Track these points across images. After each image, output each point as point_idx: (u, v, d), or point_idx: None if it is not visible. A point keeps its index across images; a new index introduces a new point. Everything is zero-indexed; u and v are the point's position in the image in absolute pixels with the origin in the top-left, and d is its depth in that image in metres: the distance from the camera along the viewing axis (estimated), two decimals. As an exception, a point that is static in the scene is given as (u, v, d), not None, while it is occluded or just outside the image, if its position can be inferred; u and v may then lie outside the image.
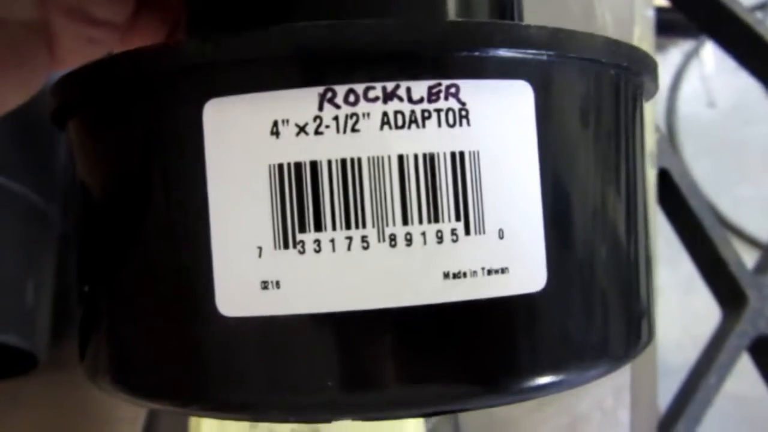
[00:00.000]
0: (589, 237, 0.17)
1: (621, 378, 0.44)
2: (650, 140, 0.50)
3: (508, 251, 0.16)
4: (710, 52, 1.57)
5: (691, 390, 0.51)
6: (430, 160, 0.16)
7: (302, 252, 0.16)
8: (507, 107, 0.16)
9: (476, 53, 0.16)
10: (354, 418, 0.17)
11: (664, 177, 0.53)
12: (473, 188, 0.16)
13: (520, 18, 0.21)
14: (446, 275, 0.16)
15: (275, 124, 0.16)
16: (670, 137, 1.53)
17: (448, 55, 0.16)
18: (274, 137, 0.16)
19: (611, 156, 0.18)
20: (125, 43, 0.27)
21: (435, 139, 0.16)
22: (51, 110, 0.19)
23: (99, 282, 0.18)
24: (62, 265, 0.41)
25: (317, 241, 0.16)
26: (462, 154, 0.16)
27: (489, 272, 0.16)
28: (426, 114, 0.16)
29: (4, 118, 0.25)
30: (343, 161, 0.16)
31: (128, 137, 0.17)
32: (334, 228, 0.16)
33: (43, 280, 0.39)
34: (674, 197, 0.54)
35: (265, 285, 0.16)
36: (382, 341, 0.16)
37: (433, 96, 0.16)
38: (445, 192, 0.16)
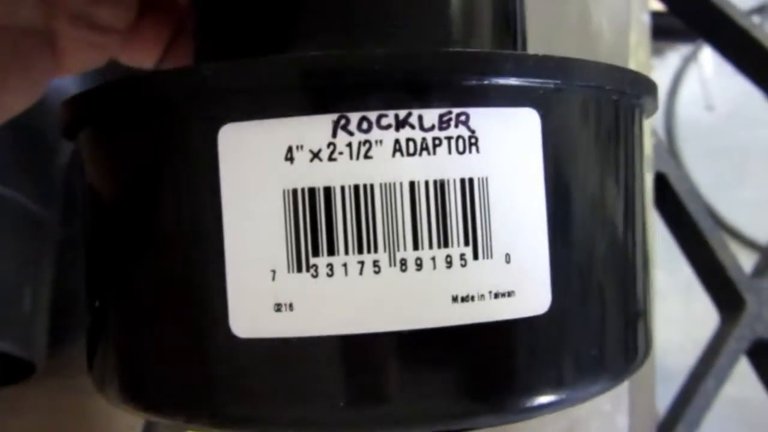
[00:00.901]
0: (592, 260, 0.18)
1: None
2: (647, 144, 0.50)
3: (515, 275, 0.17)
4: (709, 56, 1.58)
5: (689, 394, 0.51)
6: (441, 186, 0.16)
7: (315, 276, 0.16)
8: (515, 134, 0.17)
9: (486, 82, 0.17)
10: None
11: (661, 181, 0.53)
12: (482, 214, 0.17)
13: (524, 42, 0.22)
14: (455, 299, 0.16)
15: (290, 149, 0.16)
16: (668, 141, 1.54)
17: (459, 84, 0.17)
18: (288, 162, 0.16)
19: (614, 179, 0.19)
20: (127, 48, 0.28)
21: (445, 165, 0.16)
22: (63, 124, 0.20)
23: (110, 298, 0.19)
24: (60, 272, 0.41)
25: (330, 265, 0.16)
26: (471, 180, 0.17)
27: (496, 296, 0.17)
28: (437, 141, 0.16)
29: (2, 126, 0.25)
30: (356, 187, 0.16)
31: (143, 158, 0.18)
32: (346, 252, 0.16)
33: (40, 287, 0.39)
34: (671, 201, 0.54)
35: (278, 307, 0.16)
36: (390, 362, 0.17)
37: (443, 123, 0.16)
38: (454, 217, 0.16)
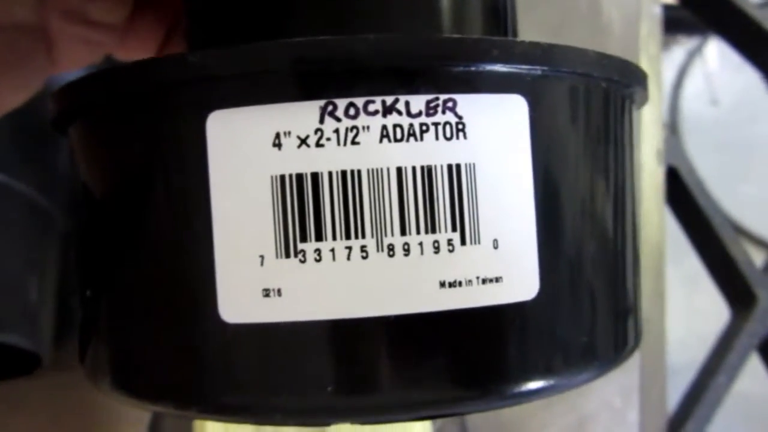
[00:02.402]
0: (581, 246, 0.19)
1: (629, 378, 0.46)
2: (658, 138, 0.51)
3: (503, 261, 0.17)
4: (714, 50, 1.59)
5: (700, 390, 0.52)
6: (428, 172, 0.17)
7: (303, 261, 0.17)
8: (502, 120, 0.17)
9: (473, 68, 0.17)
10: (352, 422, 0.18)
11: (672, 175, 0.54)
12: (469, 200, 0.17)
13: (515, 32, 0.22)
14: (442, 284, 0.17)
15: (277, 136, 0.17)
16: (673, 135, 1.54)
17: (446, 70, 0.17)
18: (276, 149, 0.17)
19: (603, 166, 0.19)
20: (122, 44, 0.28)
21: (432, 151, 0.17)
22: (52, 116, 0.20)
23: (101, 287, 0.19)
24: (66, 264, 0.41)
25: (318, 251, 0.17)
26: (459, 166, 0.17)
27: (483, 281, 0.17)
28: (424, 127, 0.17)
29: (7, 117, 0.26)
30: (344, 173, 0.17)
31: (132, 147, 0.18)
32: (334, 238, 0.17)
33: (46, 279, 0.40)
34: (682, 195, 0.55)
35: (266, 293, 0.17)
36: (379, 347, 0.17)
37: (431, 110, 0.17)
38: (442, 203, 0.17)
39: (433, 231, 0.17)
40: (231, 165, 0.17)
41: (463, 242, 0.17)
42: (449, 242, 0.17)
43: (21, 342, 0.37)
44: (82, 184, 0.20)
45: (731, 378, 0.52)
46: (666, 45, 1.56)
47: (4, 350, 0.38)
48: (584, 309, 0.19)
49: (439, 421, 0.40)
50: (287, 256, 0.17)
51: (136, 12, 0.28)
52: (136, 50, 0.29)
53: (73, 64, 0.27)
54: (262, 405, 0.18)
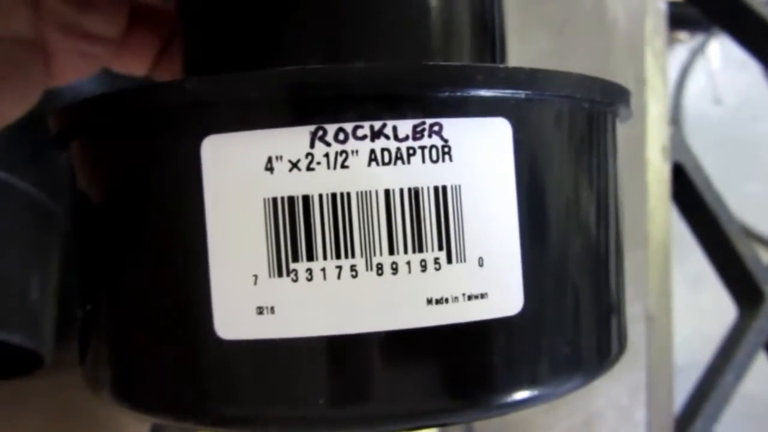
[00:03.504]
0: (564, 263, 0.20)
1: (636, 377, 0.46)
2: (663, 134, 0.51)
3: (488, 278, 0.18)
4: (716, 49, 1.59)
5: (708, 388, 0.52)
6: (415, 194, 0.18)
7: (295, 280, 0.18)
8: (487, 143, 0.18)
9: (458, 93, 0.18)
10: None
11: (677, 171, 0.54)
12: (455, 220, 0.18)
13: (503, 56, 0.23)
14: (429, 301, 0.18)
15: (269, 160, 0.18)
16: (682, 143, 1.54)
17: (431, 96, 0.18)
18: (268, 172, 0.18)
19: (586, 185, 0.20)
20: (118, 57, 0.29)
21: (419, 174, 0.18)
22: (52, 134, 0.21)
23: (100, 302, 0.20)
24: (68, 263, 0.42)
25: (309, 270, 0.18)
26: (444, 188, 0.18)
27: (469, 298, 0.18)
28: (411, 151, 0.18)
29: None
30: (334, 195, 0.18)
31: (130, 168, 0.19)
32: (325, 258, 0.18)
33: (47, 278, 0.40)
34: (688, 192, 0.55)
35: (260, 310, 0.18)
36: (369, 362, 0.18)
37: (417, 134, 0.18)
38: (428, 224, 0.18)
39: (420, 250, 0.18)
40: (225, 188, 0.18)
41: (449, 261, 0.18)
42: (436, 261, 0.18)
43: (22, 341, 0.37)
44: (80, 200, 0.21)
45: (739, 376, 0.52)
46: (669, 45, 1.56)
47: (6, 349, 0.39)
48: (567, 322, 0.20)
49: None
50: (280, 275, 0.18)
51: (132, 25, 0.29)
52: (131, 63, 0.30)
53: (70, 76, 0.28)
54: (258, 416, 0.19)
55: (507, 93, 0.19)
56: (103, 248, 0.20)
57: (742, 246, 0.54)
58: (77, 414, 0.44)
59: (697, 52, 1.60)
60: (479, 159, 0.18)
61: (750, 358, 0.53)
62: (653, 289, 0.49)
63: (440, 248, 0.18)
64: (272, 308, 0.18)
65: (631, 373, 0.47)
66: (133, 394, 0.20)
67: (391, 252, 0.18)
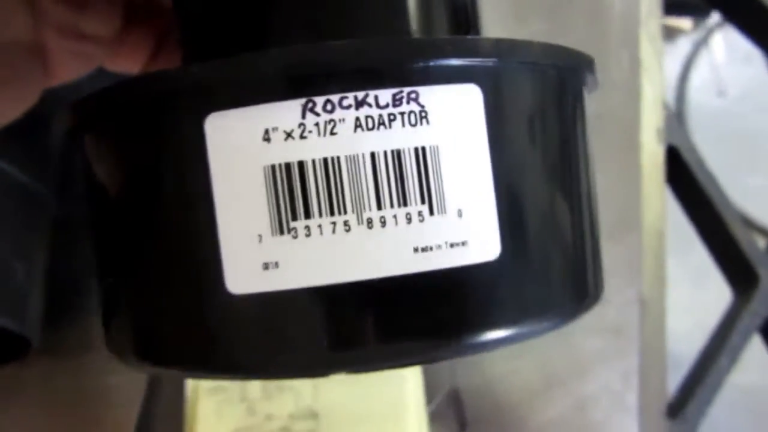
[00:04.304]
0: (537, 212, 0.22)
1: (629, 361, 0.48)
2: (658, 117, 0.53)
3: (467, 228, 0.21)
4: (720, 42, 1.60)
5: (701, 372, 0.53)
6: (397, 155, 0.20)
7: (295, 237, 0.20)
8: (460, 107, 0.21)
9: (431, 63, 0.21)
10: (345, 372, 0.22)
11: (672, 154, 0.55)
12: (434, 177, 0.21)
13: (477, 28, 0.26)
14: (416, 249, 0.20)
15: (266, 131, 0.20)
16: (679, 126, 1.55)
17: (407, 67, 0.21)
18: (266, 143, 0.20)
19: (554, 142, 0.23)
20: (114, 56, 0.31)
21: (400, 137, 0.20)
22: (68, 127, 0.24)
23: (121, 274, 0.23)
24: (57, 249, 0.43)
25: (307, 227, 0.20)
26: (423, 148, 0.21)
27: (451, 245, 0.21)
28: (392, 117, 0.20)
29: None
30: (325, 160, 0.20)
31: (143, 148, 0.22)
32: (320, 215, 0.20)
33: (33, 261, 0.41)
34: (683, 175, 0.56)
35: (266, 266, 0.20)
36: (364, 307, 0.20)
37: (396, 101, 0.20)
38: (411, 181, 0.20)
39: (405, 205, 0.20)
40: (228, 159, 0.21)
41: (431, 213, 0.20)
42: (419, 214, 0.20)
43: (6, 323, 0.38)
44: (98, 186, 0.23)
45: (732, 360, 0.53)
46: (672, 37, 1.58)
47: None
48: (542, 267, 0.22)
49: (433, 404, 0.43)
50: (281, 233, 0.20)
51: (126, 25, 0.30)
52: (126, 61, 0.31)
53: (67, 76, 0.29)
54: (267, 363, 0.21)
55: (475, 62, 0.21)
56: (120, 223, 0.23)
57: (736, 229, 0.55)
58: (67, 400, 0.45)
59: (700, 44, 1.62)
60: (454, 121, 0.21)
61: (744, 341, 0.54)
62: (647, 273, 0.50)
63: (422, 202, 0.20)
64: (276, 263, 0.20)
65: (624, 358, 0.48)
66: (155, 352, 0.23)
67: (379, 207, 0.20)
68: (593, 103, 0.25)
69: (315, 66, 0.20)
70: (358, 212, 0.20)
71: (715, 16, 1.54)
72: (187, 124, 0.21)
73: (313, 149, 0.20)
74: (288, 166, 0.20)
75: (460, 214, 0.21)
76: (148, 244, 0.22)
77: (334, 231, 0.20)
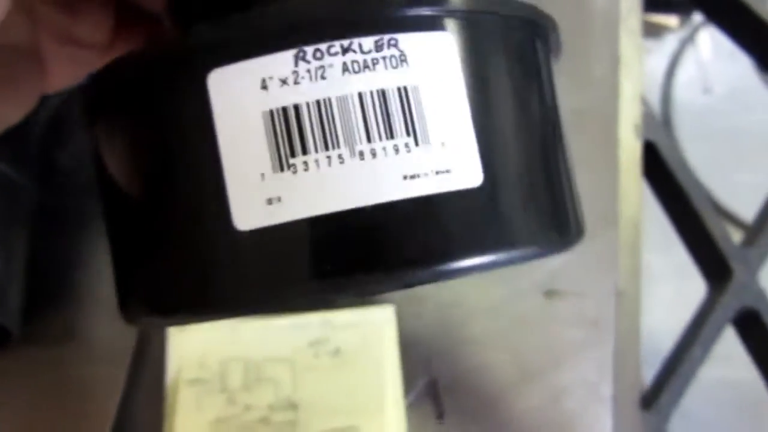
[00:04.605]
0: (513, 143, 0.24)
1: (604, 352, 0.48)
2: (636, 113, 0.54)
3: (450, 157, 0.23)
4: (706, 39, 1.62)
5: (675, 363, 0.54)
6: (382, 94, 0.23)
7: (295, 172, 0.22)
8: (435, 52, 0.23)
9: (407, 13, 0.23)
10: (354, 295, 0.23)
11: (650, 149, 0.56)
12: (417, 112, 0.23)
13: None
14: (405, 177, 0.22)
15: (263, 80, 0.23)
16: (665, 123, 1.57)
17: (385, 16, 0.23)
18: (264, 91, 0.23)
19: (521, 81, 0.25)
20: (105, 60, 0.31)
21: (384, 78, 0.23)
22: (83, 105, 0.26)
23: (132, 226, 0.25)
24: (38, 239, 0.43)
25: (305, 163, 0.22)
26: (405, 87, 0.23)
27: (437, 173, 0.23)
28: (375, 61, 0.23)
29: None
30: (318, 101, 0.22)
31: (153, 108, 0.24)
32: (316, 151, 0.22)
33: (12, 251, 0.41)
34: (660, 170, 0.57)
35: (269, 201, 0.22)
36: (361, 232, 0.22)
37: (378, 47, 0.23)
38: (396, 116, 0.23)
39: (392, 137, 0.23)
40: (230, 108, 0.23)
41: (416, 144, 0.23)
42: (406, 145, 0.23)
43: None
44: (109, 145, 0.25)
45: (706, 351, 0.54)
46: (659, 34, 1.58)
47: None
48: (523, 196, 0.24)
49: (412, 394, 0.45)
50: (282, 170, 0.22)
51: (117, 30, 0.31)
52: None
53: (62, 81, 0.30)
54: (276, 293, 0.23)
55: (447, 11, 0.24)
56: (133, 176, 0.25)
57: (711, 223, 0.56)
58: (47, 389, 0.46)
59: (687, 42, 1.63)
60: (430, 64, 0.23)
61: (717, 333, 0.55)
62: (623, 267, 0.51)
63: (408, 134, 0.23)
64: (279, 198, 0.22)
65: (599, 349, 0.48)
66: (169, 303, 0.24)
67: (369, 141, 0.22)
68: (573, 99, 0.28)
69: (306, 20, 0.23)
70: (351, 146, 0.22)
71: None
72: (191, 81, 0.23)
73: (306, 93, 0.22)
74: (285, 109, 0.22)
75: (443, 144, 0.23)
76: (158, 194, 0.24)
77: (329, 164, 0.22)
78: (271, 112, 0.22)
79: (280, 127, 0.22)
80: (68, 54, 0.30)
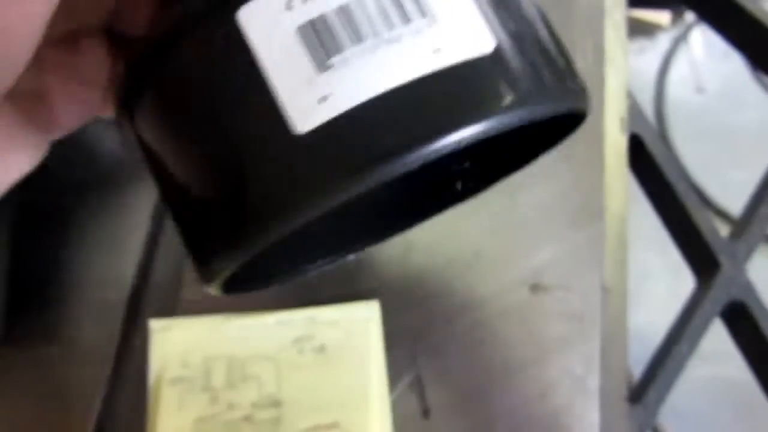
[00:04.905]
0: (516, 19, 0.28)
1: (591, 346, 0.48)
2: (621, 106, 0.54)
3: (463, 31, 0.26)
4: (699, 38, 1.64)
5: (663, 356, 0.54)
6: None
7: (336, 69, 0.25)
8: None
9: None
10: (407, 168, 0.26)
11: (636, 142, 0.57)
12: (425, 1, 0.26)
13: None
14: (432, 51, 0.26)
15: (287, 2, 0.26)
16: (658, 123, 1.57)
17: None
18: (289, 11, 0.26)
19: None
20: (106, 101, 0.32)
21: None
22: (125, 88, 0.29)
23: (203, 173, 0.27)
24: (21, 239, 0.43)
25: (344, 59, 0.25)
26: None
27: (455, 44, 0.26)
28: None
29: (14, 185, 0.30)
30: (340, 6, 0.26)
31: (196, 59, 0.27)
32: (350, 47, 0.25)
33: None
34: (646, 163, 0.58)
35: (321, 99, 0.25)
36: (405, 107, 0.25)
37: None
38: (409, 7, 0.26)
39: (410, 21, 0.26)
40: (264, 34, 0.26)
41: (431, 24, 0.26)
42: (422, 26, 0.26)
43: None
44: (161, 105, 0.28)
45: (694, 345, 0.54)
46: (651, 32, 1.61)
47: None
48: (532, 57, 0.28)
49: (397, 390, 0.45)
50: (324, 70, 0.25)
51: (114, 68, 0.32)
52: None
53: (71, 124, 0.31)
54: (355, 175, 0.25)
55: None
56: (191, 118, 0.27)
57: (698, 216, 0.57)
58: (34, 391, 0.46)
59: (679, 40, 1.64)
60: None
61: (705, 326, 0.56)
62: (609, 260, 0.51)
63: (423, 17, 0.26)
64: (327, 95, 0.25)
65: (585, 342, 0.48)
66: (259, 224, 0.26)
67: (391, 29, 0.26)
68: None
69: None
70: (377, 36, 0.25)
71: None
72: (225, 21, 0.26)
73: (327, 3, 0.26)
74: (312, 21, 0.26)
75: (455, 22, 0.26)
76: (222, 131, 0.26)
77: (363, 55, 0.25)
78: (301, 26, 0.25)
79: (312, 36, 0.25)
80: (74, 95, 0.30)
